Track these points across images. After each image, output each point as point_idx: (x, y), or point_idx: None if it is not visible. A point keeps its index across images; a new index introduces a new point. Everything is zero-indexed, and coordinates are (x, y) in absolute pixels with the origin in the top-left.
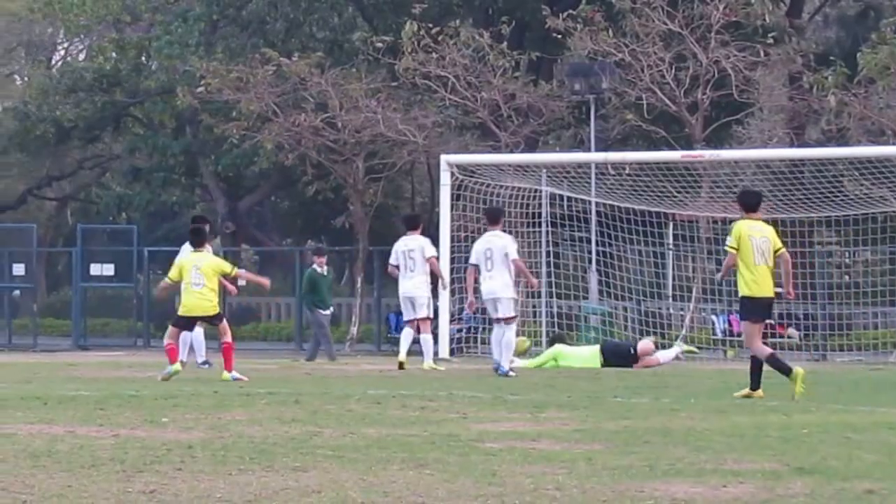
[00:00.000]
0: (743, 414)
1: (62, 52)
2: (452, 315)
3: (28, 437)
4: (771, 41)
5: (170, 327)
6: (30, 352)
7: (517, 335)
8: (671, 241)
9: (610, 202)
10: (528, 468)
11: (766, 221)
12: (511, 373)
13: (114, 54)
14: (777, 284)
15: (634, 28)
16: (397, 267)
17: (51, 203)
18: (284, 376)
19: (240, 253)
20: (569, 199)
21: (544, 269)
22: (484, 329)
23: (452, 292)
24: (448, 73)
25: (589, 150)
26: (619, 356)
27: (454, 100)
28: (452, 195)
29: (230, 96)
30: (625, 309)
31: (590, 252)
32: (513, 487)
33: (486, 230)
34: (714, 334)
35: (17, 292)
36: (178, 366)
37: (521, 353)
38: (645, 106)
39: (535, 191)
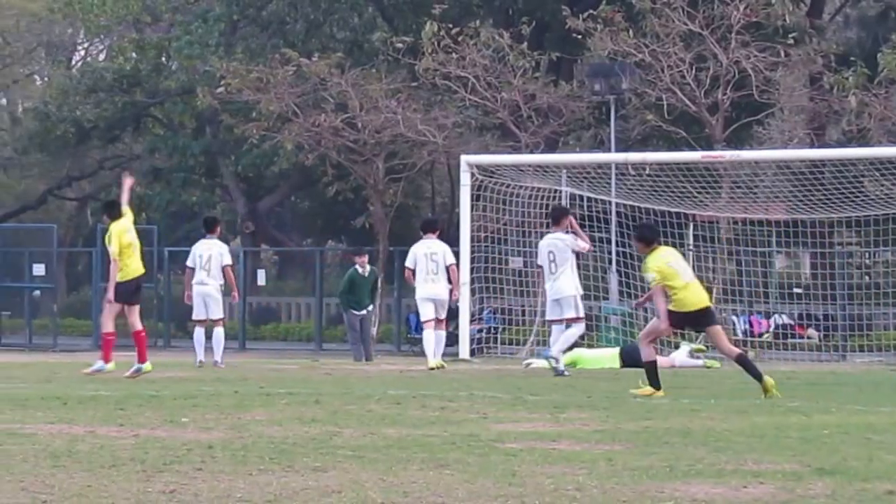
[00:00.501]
0: (763, 415)
1: (82, 53)
2: (473, 315)
3: (48, 437)
4: (791, 42)
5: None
6: (50, 352)
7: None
8: (691, 241)
9: (630, 203)
10: (548, 468)
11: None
12: (566, 372)
13: (134, 54)
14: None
15: (655, 28)
16: (413, 271)
17: (71, 203)
18: (304, 376)
19: (259, 253)
20: (589, 199)
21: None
22: (504, 329)
23: (472, 292)
24: (468, 74)
25: (609, 150)
26: (638, 361)
27: (474, 100)
28: (472, 195)
29: (250, 96)
30: (644, 310)
31: (610, 253)
32: (533, 488)
33: (547, 231)
34: (734, 335)
35: (37, 292)
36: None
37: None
38: (665, 106)
39: (555, 191)
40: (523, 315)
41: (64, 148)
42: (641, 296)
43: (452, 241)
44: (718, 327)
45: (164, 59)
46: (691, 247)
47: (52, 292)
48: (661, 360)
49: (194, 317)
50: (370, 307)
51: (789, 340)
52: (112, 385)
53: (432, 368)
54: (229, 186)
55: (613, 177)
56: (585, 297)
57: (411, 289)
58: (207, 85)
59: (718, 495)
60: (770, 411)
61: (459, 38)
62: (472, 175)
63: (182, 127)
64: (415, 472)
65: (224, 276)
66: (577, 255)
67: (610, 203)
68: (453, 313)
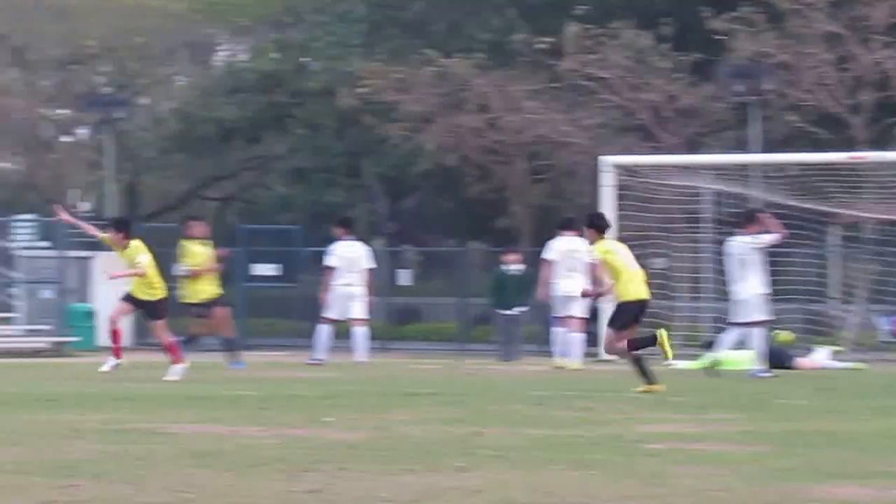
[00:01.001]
0: None
1: (224, 53)
2: None
3: (192, 437)
4: None
5: None
6: (192, 352)
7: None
8: (834, 242)
9: (774, 201)
10: (693, 469)
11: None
12: (766, 374)
13: (275, 55)
14: None
15: (796, 29)
16: (551, 266)
17: (213, 203)
18: (447, 376)
19: (402, 253)
20: (733, 197)
21: (710, 270)
22: None
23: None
24: (610, 75)
25: (750, 151)
26: (779, 364)
27: (615, 101)
28: (614, 196)
29: (391, 97)
30: (788, 310)
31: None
32: (678, 489)
33: (735, 233)
34: (880, 336)
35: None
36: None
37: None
38: (807, 107)
39: (698, 191)
40: (671, 318)
41: (205, 148)
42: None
43: None
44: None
45: (305, 59)
46: (834, 247)
47: None
48: (805, 363)
49: (329, 315)
50: (520, 308)
51: None
52: (256, 385)
53: (560, 368)
54: (371, 187)
55: (756, 177)
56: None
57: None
58: (348, 85)
59: (865, 496)
60: None
61: (600, 39)
62: (614, 176)
63: (323, 127)
64: (558, 472)
65: (365, 277)
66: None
67: (753, 201)
68: (595, 313)
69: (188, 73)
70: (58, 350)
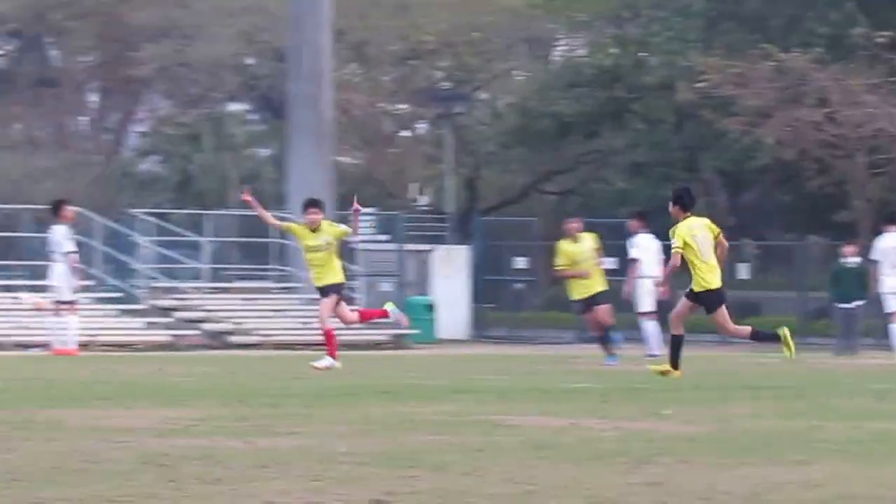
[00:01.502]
0: None
1: (562, 48)
2: None
3: (532, 429)
4: None
5: None
6: (532, 344)
7: None
8: None
9: None
10: None
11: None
12: None
13: (614, 49)
14: None
15: None
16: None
17: (551, 197)
18: (787, 370)
19: (741, 247)
20: None
21: None
22: None
23: None
24: None
25: None
26: None
27: None
28: None
29: (729, 91)
30: None
31: None
32: None
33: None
34: None
35: (519, 286)
36: None
37: None
38: None
39: None
40: None
41: (543, 142)
42: None
43: None
44: None
45: (643, 54)
46: None
47: (535, 285)
48: None
49: (644, 309)
50: (859, 301)
51: None
52: (596, 377)
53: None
54: (709, 181)
55: None
56: None
57: None
58: (687, 80)
59: None
60: None
61: None
62: None
63: (661, 122)
64: None
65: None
66: None
67: None
68: None
69: (527, 68)
70: (397, 342)
